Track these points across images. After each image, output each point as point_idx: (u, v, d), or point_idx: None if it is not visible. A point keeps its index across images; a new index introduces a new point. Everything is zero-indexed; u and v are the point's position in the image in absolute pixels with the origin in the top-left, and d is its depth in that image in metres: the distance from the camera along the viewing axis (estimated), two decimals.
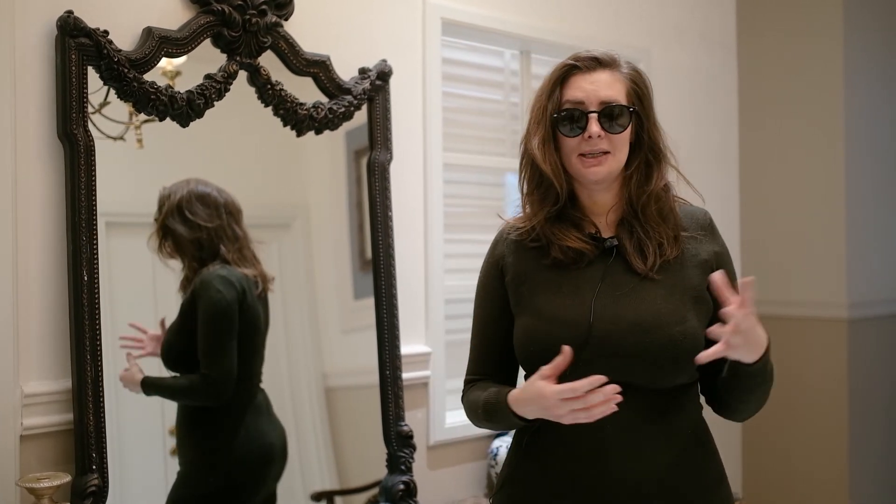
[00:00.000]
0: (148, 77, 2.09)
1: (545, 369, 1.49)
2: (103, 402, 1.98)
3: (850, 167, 3.85)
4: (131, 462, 2.16)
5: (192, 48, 2.18)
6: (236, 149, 2.42)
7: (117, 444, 2.07)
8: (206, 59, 2.21)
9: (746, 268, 3.73)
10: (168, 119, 2.14)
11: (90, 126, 2.01)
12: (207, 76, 2.20)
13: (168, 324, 2.24)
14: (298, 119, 2.36)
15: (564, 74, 1.62)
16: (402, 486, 2.50)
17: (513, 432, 1.74)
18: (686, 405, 1.59)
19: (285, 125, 2.36)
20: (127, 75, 2.04)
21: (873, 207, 3.99)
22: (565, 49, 2.94)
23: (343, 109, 2.44)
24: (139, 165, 2.21)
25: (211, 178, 2.28)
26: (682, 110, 3.53)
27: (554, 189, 1.61)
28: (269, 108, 2.33)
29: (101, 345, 1.98)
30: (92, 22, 2.01)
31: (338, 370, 2.60)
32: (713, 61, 3.71)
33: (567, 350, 1.49)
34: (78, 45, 1.97)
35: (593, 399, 1.43)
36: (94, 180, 2.00)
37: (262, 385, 2.37)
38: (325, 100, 2.43)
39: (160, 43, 2.11)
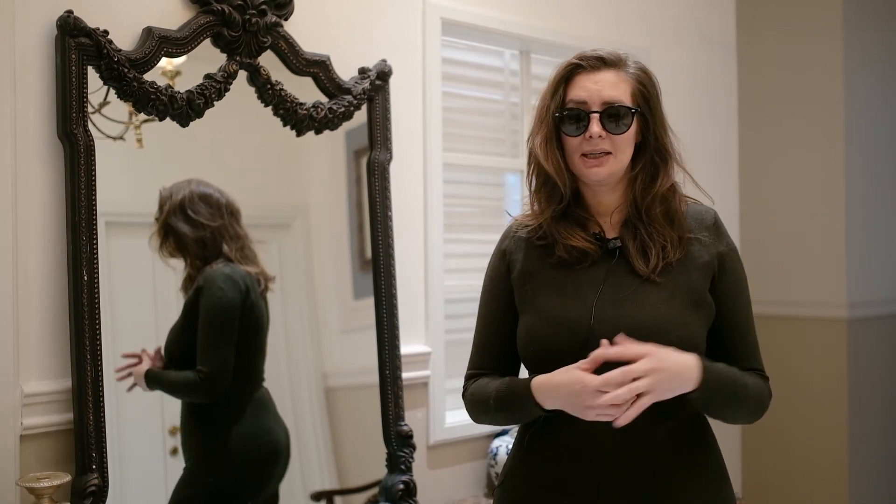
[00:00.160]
0: (148, 77, 2.09)
1: (584, 363, 1.48)
2: (103, 401, 1.98)
3: (850, 167, 3.85)
4: (131, 462, 2.16)
5: (192, 48, 2.18)
6: (236, 149, 2.42)
7: (117, 443, 2.07)
8: (206, 58, 2.21)
9: (746, 268, 3.71)
10: (168, 119, 2.14)
11: (90, 126, 2.02)
12: (207, 76, 2.20)
13: (164, 340, 2.25)
14: (298, 119, 2.36)
15: (569, 73, 1.62)
16: (401, 486, 2.50)
17: (514, 431, 1.74)
18: (687, 405, 1.59)
19: (285, 125, 2.36)
20: (127, 75, 2.04)
21: (873, 207, 3.99)
22: (565, 49, 2.95)
23: (343, 109, 2.44)
24: (139, 165, 2.21)
25: (211, 177, 2.28)
26: (682, 110, 3.53)
27: (559, 187, 1.61)
28: (269, 107, 2.33)
29: (100, 344, 1.99)
30: (92, 22, 2.01)
31: (338, 370, 2.60)
32: (713, 61, 3.71)
33: (605, 343, 1.48)
34: (78, 45, 1.98)
35: (621, 394, 1.43)
36: (94, 180, 2.00)
37: (264, 384, 2.37)
38: (324, 100, 2.43)
39: (160, 43, 2.11)
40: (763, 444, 3.98)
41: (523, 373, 1.70)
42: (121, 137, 2.13)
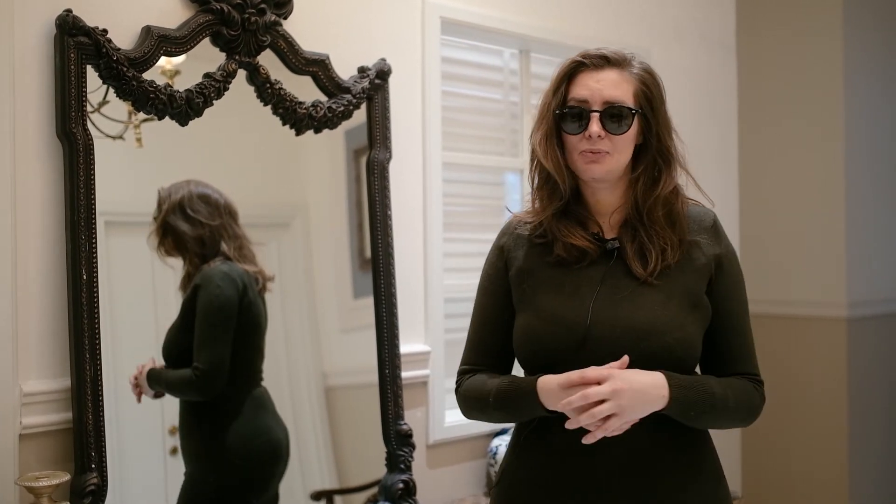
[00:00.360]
0: (147, 76, 2.09)
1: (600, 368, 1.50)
2: (102, 400, 1.98)
3: (849, 167, 3.85)
4: (130, 461, 2.16)
5: (191, 47, 2.18)
6: (235, 148, 2.42)
7: (116, 442, 2.07)
8: (206, 57, 2.21)
9: (746, 268, 3.70)
10: (167, 118, 2.14)
11: (89, 125, 2.01)
12: (206, 75, 2.20)
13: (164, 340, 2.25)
14: (297, 118, 2.36)
15: (572, 71, 1.62)
16: (401, 485, 2.50)
17: (511, 430, 1.74)
18: None
19: (284, 124, 2.36)
20: (126, 74, 2.04)
21: (873, 207, 3.99)
22: (565, 49, 2.95)
23: (342, 108, 2.44)
24: (138, 164, 2.21)
25: (210, 177, 2.28)
26: (682, 110, 3.50)
27: (560, 184, 1.61)
28: (269, 106, 2.33)
29: (100, 344, 1.98)
30: (91, 21, 2.01)
31: (337, 369, 2.60)
32: (713, 61, 3.71)
33: (625, 360, 1.50)
34: (77, 44, 1.97)
35: (574, 401, 1.46)
36: (94, 179, 2.00)
37: (263, 384, 2.37)
38: (324, 99, 2.43)
39: (159, 42, 2.11)
40: (763, 444, 3.98)
41: (517, 370, 1.70)
42: (120, 137, 2.12)
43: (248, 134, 2.42)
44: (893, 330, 4.07)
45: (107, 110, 2.09)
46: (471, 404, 1.68)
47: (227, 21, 2.21)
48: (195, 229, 2.23)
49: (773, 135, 4.00)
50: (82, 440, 1.96)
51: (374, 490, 2.54)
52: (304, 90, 2.39)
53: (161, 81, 2.13)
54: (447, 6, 2.76)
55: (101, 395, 1.98)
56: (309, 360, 2.55)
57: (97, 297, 1.99)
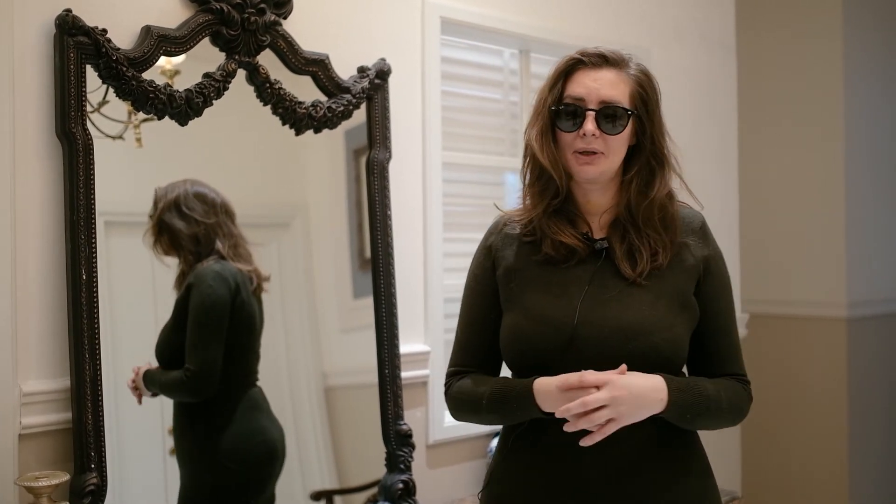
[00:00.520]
0: (147, 76, 2.09)
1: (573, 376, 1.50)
2: (102, 400, 1.98)
3: (849, 167, 3.85)
4: (130, 461, 2.16)
5: (191, 47, 2.18)
6: (235, 148, 2.42)
7: (116, 442, 2.06)
8: (205, 57, 2.20)
9: (746, 267, 3.73)
10: (167, 118, 2.14)
11: (89, 125, 2.01)
12: (206, 75, 2.20)
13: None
14: (297, 118, 2.36)
15: (570, 68, 1.61)
16: (401, 485, 2.50)
17: (500, 431, 1.73)
18: None
19: (284, 124, 2.36)
20: (126, 74, 2.03)
21: (873, 207, 3.99)
22: (565, 49, 2.94)
23: (342, 108, 2.44)
24: (138, 164, 2.21)
25: (210, 176, 2.28)
26: (681, 110, 3.53)
27: (554, 182, 1.60)
28: (268, 106, 2.33)
29: (99, 344, 1.98)
30: (90, 20, 2.00)
31: (337, 369, 2.60)
32: (713, 61, 3.70)
33: (623, 367, 1.50)
34: (76, 44, 1.97)
35: (572, 408, 1.46)
36: (93, 179, 2.00)
37: (261, 384, 2.37)
38: (323, 98, 2.43)
39: (159, 41, 2.11)
40: (763, 444, 3.98)
41: (505, 371, 1.70)
42: (120, 136, 2.12)
43: (247, 134, 2.42)
44: (893, 330, 4.07)
45: (106, 110, 2.09)
46: (462, 406, 1.67)
47: (226, 21, 2.21)
48: (190, 227, 2.23)
49: (774, 135, 4.00)
50: (82, 440, 1.96)
51: (374, 490, 2.54)
52: (304, 90, 2.39)
53: (161, 81, 2.13)
54: (447, 6, 2.76)
55: (101, 395, 1.98)
56: (309, 360, 2.55)
57: (97, 297, 1.99)
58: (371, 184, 2.53)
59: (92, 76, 2.01)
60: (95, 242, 1.99)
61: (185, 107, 2.15)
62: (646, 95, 1.62)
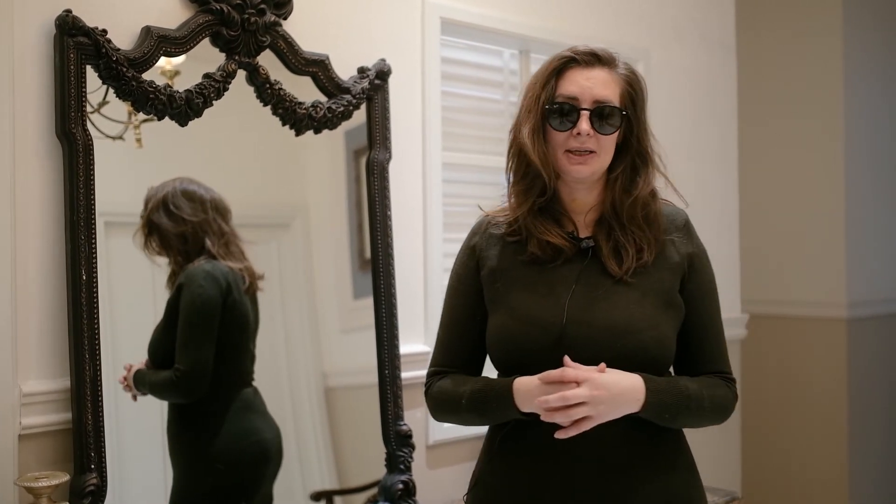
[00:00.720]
0: (147, 76, 2.09)
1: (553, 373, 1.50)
2: (102, 401, 1.98)
3: (849, 167, 3.86)
4: (130, 461, 2.16)
5: (191, 47, 2.18)
6: (235, 148, 2.42)
7: (116, 443, 2.07)
8: (205, 58, 2.20)
9: (746, 268, 3.73)
10: (167, 118, 2.14)
11: (89, 125, 2.01)
12: (206, 75, 2.20)
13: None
14: (297, 118, 2.36)
15: (562, 66, 1.61)
16: (401, 486, 2.50)
17: (485, 432, 1.72)
18: None
19: (284, 124, 2.36)
20: (126, 74, 2.04)
21: (873, 207, 4.00)
22: (565, 49, 2.94)
23: (342, 109, 2.44)
24: (138, 165, 2.21)
25: (210, 177, 2.28)
26: (681, 110, 3.53)
27: (540, 180, 1.60)
28: (268, 107, 2.33)
29: (99, 344, 1.98)
30: (90, 21, 2.00)
31: (337, 370, 2.60)
32: (713, 61, 3.71)
33: (603, 366, 1.50)
34: (76, 44, 1.97)
35: (551, 401, 1.46)
36: (93, 179, 2.00)
37: (259, 384, 2.36)
38: (323, 99, 2.43)
39: (159, 42, 2.11)
40: (763, 444, 3.98)
41: (488, 371, 1.69)
42: (120, 137, 2.12)
43: (247, 134, 2.42)
44: (893, 330, 4.07)
45: (106, 110, 2.09)
46: (442, 406, 1.66)
47: (226, 21, 2.21)
48: (177, 226, 2.21)
49: (773, 135, 4.00)
50: (82, 440, 1.96)
51: (374, 490, 2.54)
52: (304, 90, 2.39)
53: (161, 82, 2.13)
54: (447, 6, 2.76)
55: (101, 396, 1.98)
56: (309, 361, 2.55)
57: (97, 297, 1.99)
58: (371, 184, 2.53)
59: (92, 76, 2.01)
60: (95, 243, 1.99)
61: (185, 107, 2.15)
62: (634, 95, 1.63)
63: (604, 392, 1.47)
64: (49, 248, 2.00)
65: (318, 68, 2.41)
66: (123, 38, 2.09)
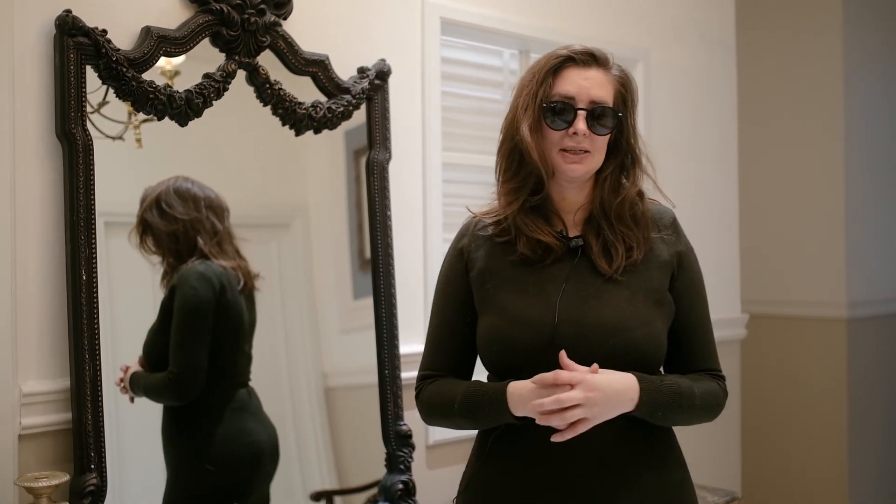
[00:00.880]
0: (146, 76, 2.09)
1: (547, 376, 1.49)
2: (102, 401, 1.98)
3: (849, 167, 3.86)
4: (130, 461, 2.16)
5: (191, 47, 2.18)
6: (235, 148, 2.42)
7: (116, 443, 2.07)
8: (205, 58, 2.21)
9: (746, 268, 3.73)
10: (167, 118, 2.14)
11: (89, 125, 2.01)
12: (206, 75, 2.20)
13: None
14: (297, 118, 2.36)
15: (558, 65, 1.61)
16: (401, 486, 2.50)
17: (475, 434, 1.72)
18: None
19: (284, 124, 2.36)
20: (125, 74, 2.04)
21: (873, 207, 4.00)
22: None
23: (342, 109, 2.44)
24: (138, 165, 2.21)
25: (210, 177, 2.28)
26: (681, 110, 3.53)
27: (533, 178, 1.60)
28: (268, 107, 2.33)
29: (99, 344, 1.98)
30: (90, 21, 2.01)
31: (337, 370, 2.60)
32: (713, 61, 3.71)
33: (595, 366, 1.50)
34: (76, 45, 1.97)
35: (546, 404, 1.46)
36: (93, 180, 2.00)
37: (259, 384, 2.36)
38: (323, 99, 2.43)
39: (159, 42, 2.11)
40: (763, 444, 3.99)
41: (478, 374, 1.69)
42: (120, 137, 2.12)
43: (247, 134, 2.42)
44: (893, 330, 4.07)
45: (106, 111, 2.09)
46: (433, 411, 1.66)
47: (226, 21, 2.21)
48: (169, 225, 2.21)
49: (774, 135, 4.00)
50: (82, 440, 1.96)
51: (374, 490, 2.54)
52: (304, 91, 2.39)
53: (161, 82, 2.13)
54: (447, 6, 2.76)
55: (101, 396, 1.98)
56: (309, 361, 2.55)
57: (97, 297, 1.99)
58: (371, 184, 2.53)
59: (92, 77, 2.02)
60: (95, 243, 1.99)
61: (184, 107, 2.15)
62: (626, 96, 1.64)
63: (598, 393, 1.47)
64: (49, 248, 2.00)
65: (317, 68, 2.41)
66: (123, 38, 2.09)
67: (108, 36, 2.02)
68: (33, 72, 1.98)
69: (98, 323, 1.98)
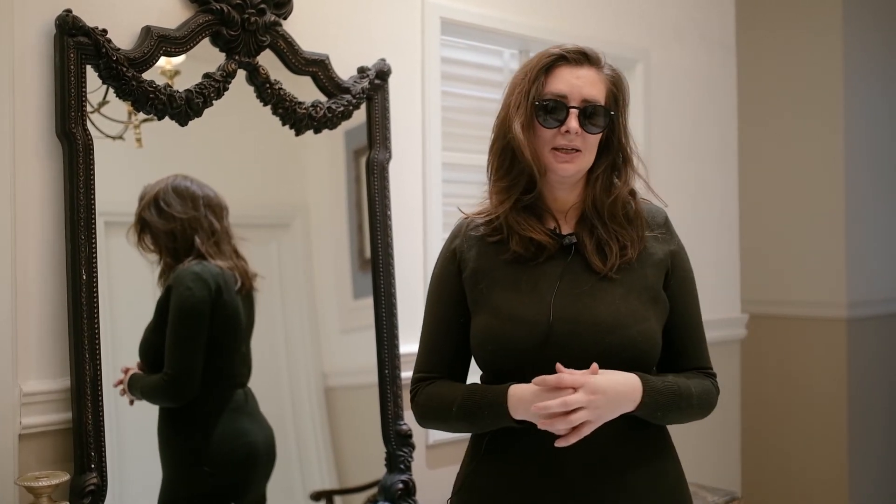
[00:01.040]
0: (147, 76, 2.09)
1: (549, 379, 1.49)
2: (102, 400, 1.98)
3: (849, 167, 3.86)
4: (130, 461, 2.16)
5: (191, 47, 2.18)
6: (235, 148, 2.42)
7: (116, 442, 2.07)
8: (205, 58, 2.21)
9: (746, 268, 3.73)
10: (167, 118, 2.14)
11: (89, 125, 2.01)
12: (206, 75, 2.20)
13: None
14: (297, 118, 2.36)
15: (551, 64, 1.61)
16: (401, 486, 2.50)
17: (468, 436, 1.71)
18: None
19: (284, 124, 2.36)
20: (126, 74, 2.04)
21: (873, 207, 4.00)
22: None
23: (342, 108, 2.44)
24: (138, 165, 2.21)
25: (210, 177, 2.28)
26: (681, 110, 3.53)
27: (525, 177, 1.60)
28: (268, 107, 2.33)
29: (99, 344, 1.98)
30: (91, 21, 2.01)
31: (337, 370, 2.60)
32: (713, 61, 3.71)
33: (595, 367, 1.50)
34: (76, 44, 1.97)
35: (552, 406, 1.45)
36: (93, 179, 2.00)
37: (259, 384, 2.36)
38: (323, 99, 2.43)
39: (159, 42, 2.11)
40: (763, 444, 3.99)
41: (473, 376, 1.68)
42: (120, 137, 2.13)
43: (247, 134, 2.42)
44: (893, 330, 4.07)
45: (106, 110, 2.09)
46: (430, 413, 1.66)
47: (226, 21, 2.21)
48: (167, 224, 2.20)
49: (774, 135, 4.00)
50: (82, 440, 1.96)
51: (374, 490, 2.54)
52: (304, 90, 2.39)
53: (161, 81, 2.13)
54: (447, 6, 2.77)
55: (101, 395, 1.98)
56: (309, 361, 2.55)
57: (97, 297, 1.99)
58: (371, 184, 2.53)
59: (92, 76, 2.02)
60: (95, 242, 1.99)
61: (185, 107, 2.15)
62: (618, 95, 1.64)
63: (601, 396, 1.47)
64: (49, 247, 2.00)
65: (318, 68, 2.41)
66: (123, 37, 2.09)
67: (108, 36, 2.02)
68: (33, 71, 1.98)
69: (98, 322, 1.98)
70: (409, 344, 2.64)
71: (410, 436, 2.55)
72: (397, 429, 2.54)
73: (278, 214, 2.54)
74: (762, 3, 4.05)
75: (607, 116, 1.60)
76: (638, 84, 3.34)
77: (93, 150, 2.00)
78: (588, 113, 1.58)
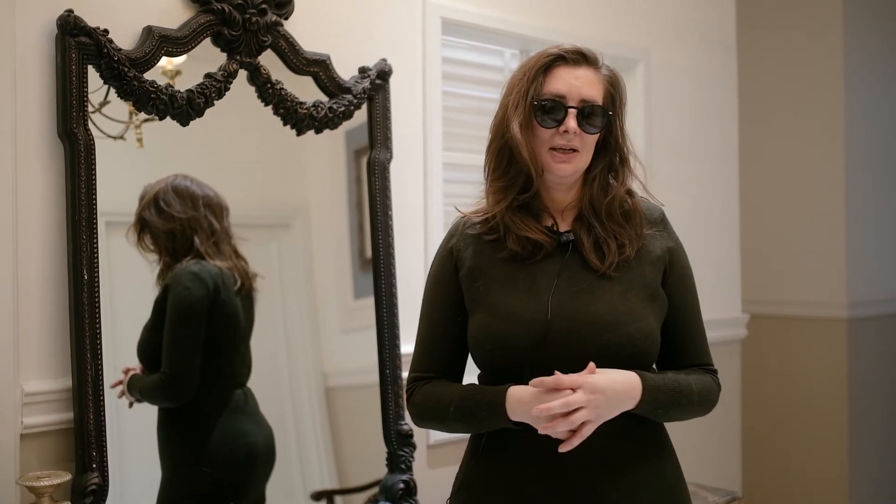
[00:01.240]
0: (148, 76, 2.09)
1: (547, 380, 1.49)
2: (103, 400, 1.98)
3: (849, 167, 3.86)
4: (131, 461, 2.16)
5: (192, 47, 2.18)
6: (236, 148, 2.42)
7: (117, 442, 2.07)
8: (206, 58, 2.21)
9: (747, 268, 3.74)
10: (168, 118, 2.14)
11: (90, 125, 2.01)
12: (207, 75, 2.20)
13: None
14: (298, 118, 2.37)
15: (549, 64, 1.61)
16: (402, 485, 2.50)
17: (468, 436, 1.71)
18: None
19: (285, 124, 2.36)
20: (127, 74, 2.04)
21: (873, 207, 4.00)
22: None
23: (343, 108, 2.44)
24: (139, 165, 2.22)
25: (211, 177, 2.28)
26: (681, 110, 3.54)
27: (522, 176, 1.60)
28: (269, 107, 2.33)
29: (101, 344, 1.98)
30: (92, 21, 2.01)
31: (338, 370, 2.60)
32: (713, 61, 3.71)
33: (592, 366, 1.50)
34: (78, 44, 1.98)
35: (554, 407, 1.45)
36: (95, 179, 2.00)
37: (259, 384, 2.36)
38: (325, 99, 2.43)
39: (160, 42, 2.11)
40: (763, 444, 3.99)
41: (469, 376, 1.68)
42: (121, 137, 2.13)
43: (248, 134, 2.42)
44: (893, 330, 4.08)
45: (108, 110, 2.09)
46: (427, 414, 1.65)
47: (227, 21, 2.21)
48: (166, 223, 2.20)
49: (774, 135, 4.00)
50: (83, 440, 1.96)
51: (375, 490, 2.54)
52: (305, 90, 2.39)
53: (162, 82, 2.13)
54: (447, 6, 2.77)
55: (103, 395, 1.98)
56: (309, 361, 2.55)
57: (98, 297, 1.99)
58: (372, 184, 2.54)
59: (93, 76, 2.02)
60: (97, 243, 2.00)
61: (186, 107, 2.15)
62: (616, 96, 1.64)
63: (600, 395, 1.47)
64: (50, 247, 2.00)
65: (319, 68, 2.41)
66: (125, 38, 2.09)
67: (109, 36, 2.02)
68: (35, 72, 1.98)
69: (99, 322, 1.99)
70: (409, 344, 2.63)
71: (411, 436, 2.55)
72: (398, 429, 2.54)
73: (279, 214, 2.54)
74: (762, 3, 4.05)
75: (605, 117, 1.60)
76: (638, 84, 3.34)
77: (94, 150, 2.00)
78: (586, 113, 1.58)
